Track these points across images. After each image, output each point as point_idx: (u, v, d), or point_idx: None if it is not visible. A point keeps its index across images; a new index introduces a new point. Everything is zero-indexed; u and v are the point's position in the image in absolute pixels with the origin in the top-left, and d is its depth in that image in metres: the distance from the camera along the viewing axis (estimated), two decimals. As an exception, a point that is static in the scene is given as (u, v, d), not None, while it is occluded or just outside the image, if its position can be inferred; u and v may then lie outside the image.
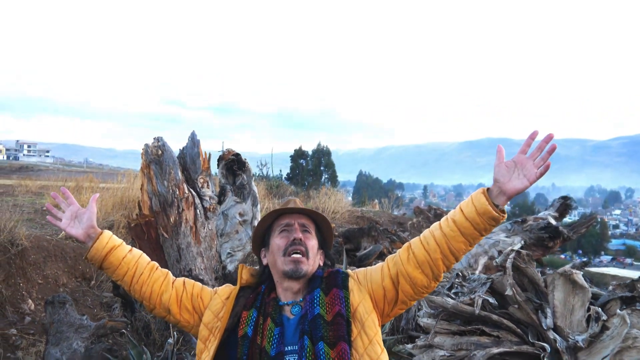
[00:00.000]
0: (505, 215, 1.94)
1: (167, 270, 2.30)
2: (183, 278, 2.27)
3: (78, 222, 2.23)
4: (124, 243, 2.27)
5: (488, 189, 1.96)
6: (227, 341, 2.04)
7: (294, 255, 2.06)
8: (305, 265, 2.06)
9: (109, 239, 2.22)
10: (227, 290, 2.22)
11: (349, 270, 2.19)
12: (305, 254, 2.08)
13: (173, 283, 2.24)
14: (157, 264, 2.29)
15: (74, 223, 2.24)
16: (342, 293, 2.03)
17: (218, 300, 2.16)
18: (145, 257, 2.30)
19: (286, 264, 2.06)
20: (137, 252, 2.29)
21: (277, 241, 2.12)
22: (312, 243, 2.14)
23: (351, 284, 2.09)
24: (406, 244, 2.10)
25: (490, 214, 1.90)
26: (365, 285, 2.10)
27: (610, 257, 60.82)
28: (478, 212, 1.92)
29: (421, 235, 2.09)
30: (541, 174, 1.90)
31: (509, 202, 1.99)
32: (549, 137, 1.91)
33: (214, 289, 2.25)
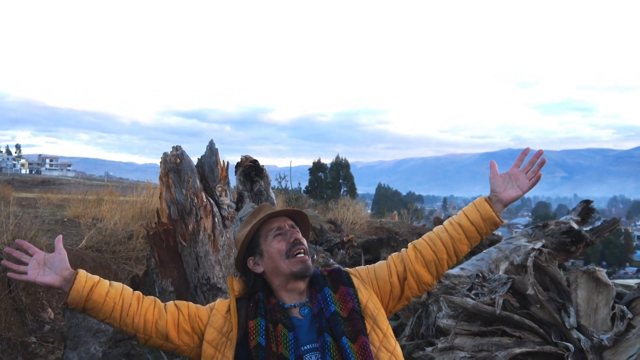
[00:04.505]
0: (504, 222, 2.20)
1: (152, 297, 2.18)
2: (173, 301, 2.17)
3: (49, 268, 2.07)
4: (102, 278, 2.11)
5: (488, 198, 2.22)
6: (236, 355, 1.98)
7: (299, 256, 2.09)
8: (309, 262, 2.11)
9: (87, 277, 2.07)
10: (224, 303, 2.15)
11: (347, 269, 2.25)
12: (307, 252, 2.14)
13: (165, 308, 2.13)
14: (140, 293, 2.16)
15: (44, 271, 2.07)
16: (351, 290, 2.09)
17: (218, 316, 2.10)
18: (128, 288, 2.14)
19: (294, 265, 2.07)
20: (117, 284, 2.14)
21: (276, 245, 2.11)
22: (305, 241, 2.19)
23: (356, 282, 2.15)
24: (410, 245, 2.25)
25: (493, 219, 2.15)
26: (369, 282, 2.18)
27: (635, 269, 59.55)
28: (483, 217, 2.16)
29: (422, 237, 2.25)
30: (533, 184, 2.17)
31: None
32: (539, 153, 2.19)
33: (209, 305, 2.17)
